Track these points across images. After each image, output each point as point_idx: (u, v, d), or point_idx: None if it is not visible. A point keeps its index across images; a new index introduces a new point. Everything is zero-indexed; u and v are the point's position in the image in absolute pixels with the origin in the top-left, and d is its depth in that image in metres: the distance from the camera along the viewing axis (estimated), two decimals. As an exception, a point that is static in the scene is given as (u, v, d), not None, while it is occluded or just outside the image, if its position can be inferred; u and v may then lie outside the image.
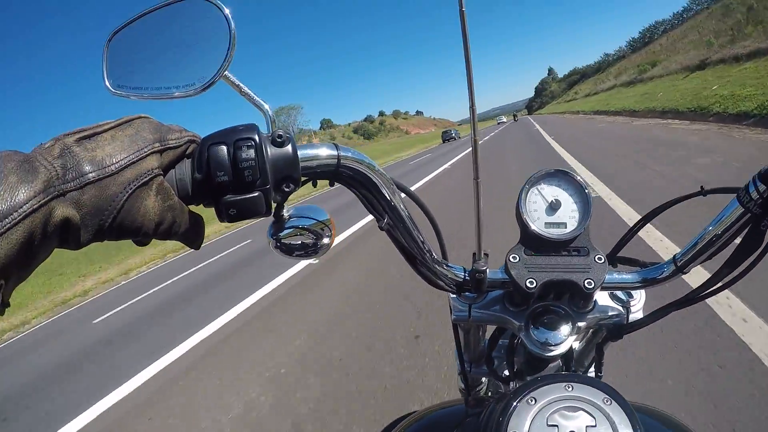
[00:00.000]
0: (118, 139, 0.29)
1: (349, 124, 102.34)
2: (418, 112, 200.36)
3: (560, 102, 57.75)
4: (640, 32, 49.38)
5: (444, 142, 33.30)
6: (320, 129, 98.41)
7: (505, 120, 50.35)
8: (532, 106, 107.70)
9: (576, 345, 0.67)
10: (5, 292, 0.25)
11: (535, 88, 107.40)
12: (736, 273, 0.45)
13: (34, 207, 0.24)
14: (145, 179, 0.29)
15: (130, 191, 0.28)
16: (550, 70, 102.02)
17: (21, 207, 0.24)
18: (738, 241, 0.41)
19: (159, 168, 0.30)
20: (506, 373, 0.56)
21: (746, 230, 0.42)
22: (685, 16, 37.61)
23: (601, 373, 0.64)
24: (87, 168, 0.27)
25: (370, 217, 0.43)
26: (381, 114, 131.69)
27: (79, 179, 0.27)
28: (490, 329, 0.60)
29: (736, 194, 0.42)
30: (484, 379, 0.65)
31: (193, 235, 0.33)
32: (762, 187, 0.39)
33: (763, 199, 0.40)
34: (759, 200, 0.39)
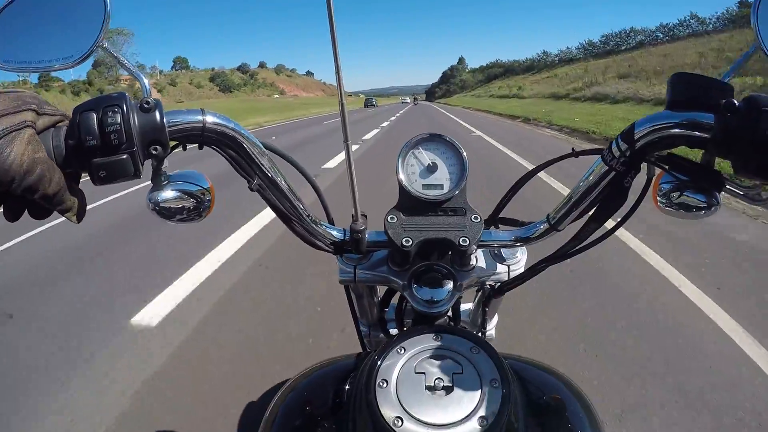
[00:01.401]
0: (1, 97, 0.34)
1: (212, 69, 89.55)
2: (309, 73, 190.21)
3: (466, 94, 63.13)
4: (601, 37, 45.91)
5: (366, 107, 44.67)
6: (172, 69, 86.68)
7: (409, 101, 55.93)
8: (434, 92, 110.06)
9: (469, 305, 0.71)
10: None
11: (443, 73, 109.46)
12: (608, 229, 0.49)
13: None
14: (18, 127, 0.32)
15: (2, 134, 0.32)
16: (461, 60, 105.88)
17: None
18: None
19: (33, 123, 0.33)
20: (397, 332, 0.56)
21: (610, 187, 0.45)
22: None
23: (485, 329, 0.65)
24: None
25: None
26: (261, 66, 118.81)
27: None
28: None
29: (600, 154, 0.44)
30: None
31: (66, 200, 0.36)
32: (624, 146, 0.42)
33: (625, 158, 0.42)
34: (621, 158, 0.42)
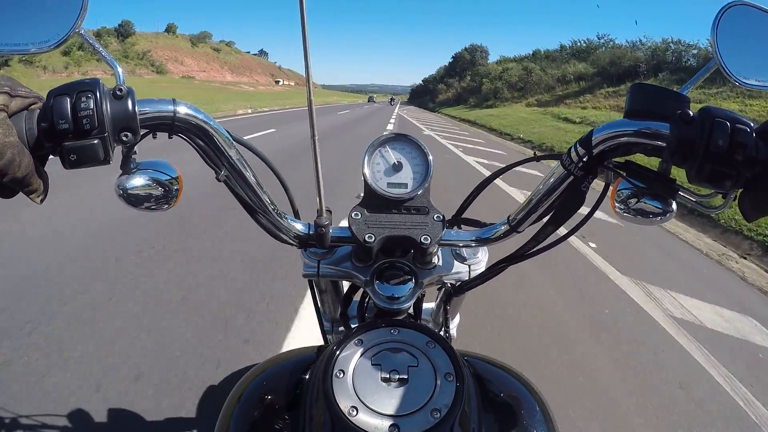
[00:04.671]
0: None
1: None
2: (262, 53, 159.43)
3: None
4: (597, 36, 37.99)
5: (369, 102, 61.38)
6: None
7: (376, 102, 61.87)
8: (430, 92, 71.32)
9: (431, 305, 0.81)
10: None
11: (454, 57, 65.21)
12: (566, 232, 0.55)
13: None
14: None
15: None
16: (480, 48, 62.67)
17: None
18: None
19: (5, 107, 0.37)
20: None
21: (568, 191, 0.52)
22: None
23: (448, 328, 0.71)
24: None
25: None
26: (169, 30, 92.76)
27: None
28: None
29: (560, 159, 0.51)
30: None
31: (34, 183, 0.40)
32: (582, 151, 0.48)
33: (583, 162, 0.48)
34: (579, 163, 0.49)
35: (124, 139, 0.41)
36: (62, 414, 1.49)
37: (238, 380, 0.64)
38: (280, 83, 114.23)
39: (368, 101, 66.06)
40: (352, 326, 0.69)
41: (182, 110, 0.45)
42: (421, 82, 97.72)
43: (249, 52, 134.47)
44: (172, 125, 0.45)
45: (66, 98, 0.39)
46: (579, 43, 35.56)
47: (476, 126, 18.52)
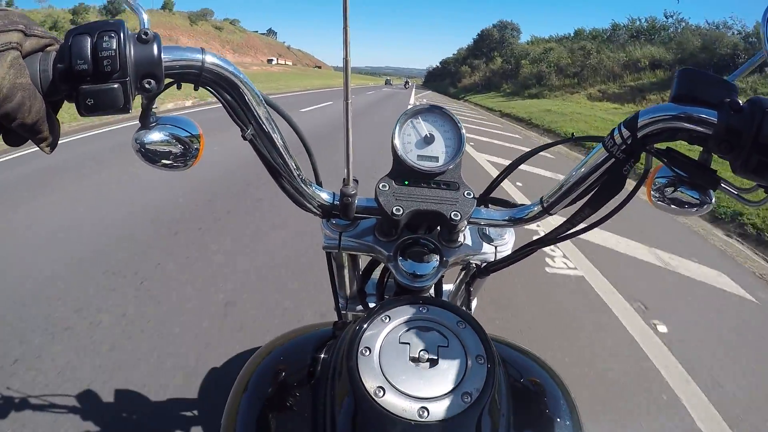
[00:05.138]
0: None
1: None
2: (270, 32, 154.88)
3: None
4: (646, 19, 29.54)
5: (385, 84, 62.64)
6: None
7: (393, 86, 60.50)
8: (449, 74, 63.97)
9: (450, 287, 0.79)
10: None
11: (481, 34, 54.62)
12: (602, 215, 0.53)
13: None
14: (1, 48, 0.34)
15: None
16: (510, 25, 52.84)
17: None
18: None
19: (19, 46, 0.36)
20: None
21: (608, 174, 0.51)
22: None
23: (470, 310, 0.70)
24: None
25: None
26: (166, 6, 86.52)
27: None
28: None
29: (602, 141, 0.50)
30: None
31: (45, 130, 0.39)
32: (626, 133, 0.46)
33: (627, 145, 0.47)
34: (623, 145, 0.47)
35: (146, 86, 0.40)
36: (70, 394, 1.60)
37: (252, 355, 0.64)
38: (273, 62, 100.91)
39: (385, 84, 66.79)
40: (370, 304, 0.71)
41: (211, 60, 0.43)
42: (438, 65, 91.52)
43: (257, 32, 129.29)
44: (199, 75, 0.43)
45: (86, 37, 0.37)
46: (638, 22, 29.27)
47: (534, 128, 12.28)
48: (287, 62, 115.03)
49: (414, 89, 45.71)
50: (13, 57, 0.34)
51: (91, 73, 0.36)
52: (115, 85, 0.37)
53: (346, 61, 0.50)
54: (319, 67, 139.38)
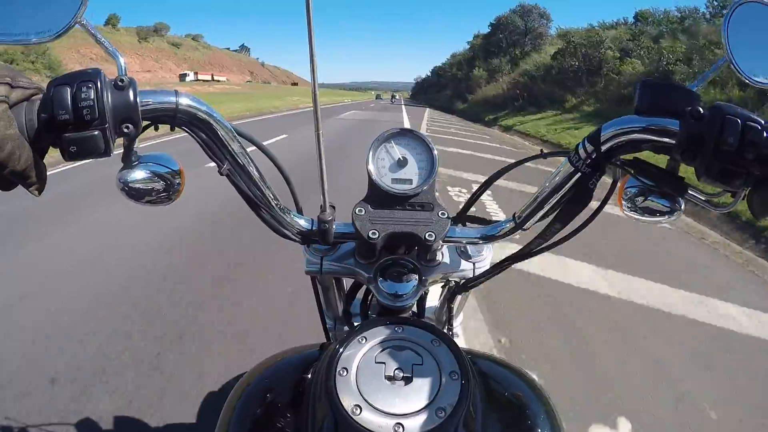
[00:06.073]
0: None
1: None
2: (243, 48, 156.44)
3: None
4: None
5: (376, 99, 70.71)
6: None
7: (383, 99, 65.09)
8: (436, 90, 58.62)
9: (434, 303, 0.81)
10: None
11: (499, 20, 38.34)
12: (571, 229, 0.56)
13: None
14: None
15: None
16: (536, 9, 37.04)
17: None
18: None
19: (6, 98, 0.39)
20: None
21: (575, 188, 0.53)
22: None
23: (451, 326, 0.74)
24: None
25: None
26: (109, 22, 78.36)
27: None
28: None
29: (567, 155, 0.53)
30: None
31: (33, 176, 0.42)
32: (590, 148, 0.49)
33: (591, 159, 0.49)
34: (587, 160, 0.50)
35: (125, 130, 0.43)
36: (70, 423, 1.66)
37: (241, 377, 0.70)
38: (190, 78, 79.72)
39: (375, 98, 75.55)
40: (356, 324, 0.73)
41: (185, 102, 0.47)
42: (428, 74, 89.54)
43: (229, 48, 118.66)
44: (174, 117, 0.47)
45: (66, 88, 0.40)
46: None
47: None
48: (221, 78, 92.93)
49: (404, 106, 39.64)
50: (2, 110, 0.38)
51: (72, 122, 0.40)
52: (96, 132, 0.40)
53: (314, 93, 0.53)
54: (296, 84, 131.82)
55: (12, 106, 0.39)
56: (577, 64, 20.57)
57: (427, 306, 0.73)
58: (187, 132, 0.49)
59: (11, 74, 0.39)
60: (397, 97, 65.13)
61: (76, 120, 0.39)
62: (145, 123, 0.45)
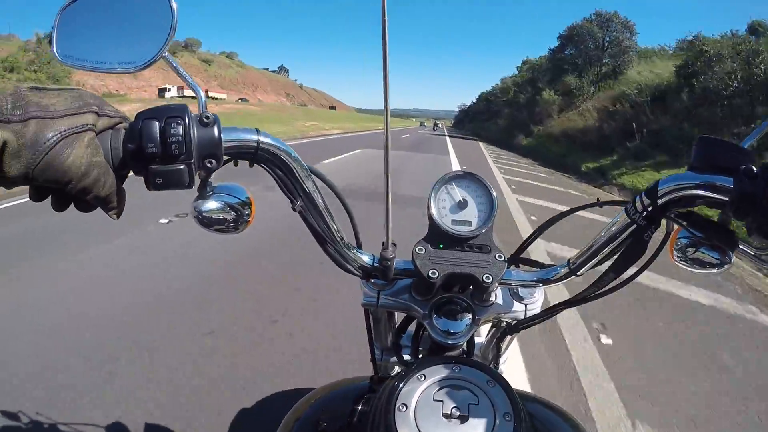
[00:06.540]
0: (63, 96, 0.41)
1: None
2: (282, 69, 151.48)
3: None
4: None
5: (420, 126, 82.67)
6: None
7: (426, 126, 71.86)
8: (484, 119, 48.93)
9: (482, 340, 0.83)
10: None
11: (570, 29, 29.39)
12: (625, 277, 0.59)
13: None
14: (80, 130, 0.40)
15: (64, 135, 0.38)
16: (616, 18, 28.57)
17: None
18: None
19: (93, 126, 0.42)
20: (411, 358, 0.76)
21: (631, 239, 0.56)
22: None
23: (499, 364, 0.77)
24: (33, 108, 0.39)
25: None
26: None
27: (24, 114, 0.38)
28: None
29: (624, 206, 0.56)
30: (397, 368, 0.84)
31: (114, 201, 0.45)
32: (647, 201, 0.51)
33: (648, 212, 0.52)
34: (644, 213, 0.52)
35: (208, 165, 0.46)
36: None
37: (293, 407, 0.73)
38: (170, 94, 60.80)
39: (420, 126, 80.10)
40: (404, 356, 0.78)
41: (265, 140, 0.50)
42: (473, 101, 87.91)
43: (267, 69, 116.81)
44: (255, 154, 0.51)
45: (155, 122, 0.43)
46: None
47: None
48: (219, 95, 78.21)
49: (449, 138, 34.73)
50: (90, 138, 0.40)
51: (160, 155, 0.42)
52: (182, 166, 0.43)
53: (386, 136, 0.55)
54: (333, 108, 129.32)
55: (98, 133, 0.42)
56: (737, 84, 12.20)
57: (475, 342, 0.78)
58: (264, 169, 0.52)
59: (98, 103, 0.42)
60: (440, 126, 57.11)
61: (164, 154, 0.42)
62: (225, 158, 0.48)
